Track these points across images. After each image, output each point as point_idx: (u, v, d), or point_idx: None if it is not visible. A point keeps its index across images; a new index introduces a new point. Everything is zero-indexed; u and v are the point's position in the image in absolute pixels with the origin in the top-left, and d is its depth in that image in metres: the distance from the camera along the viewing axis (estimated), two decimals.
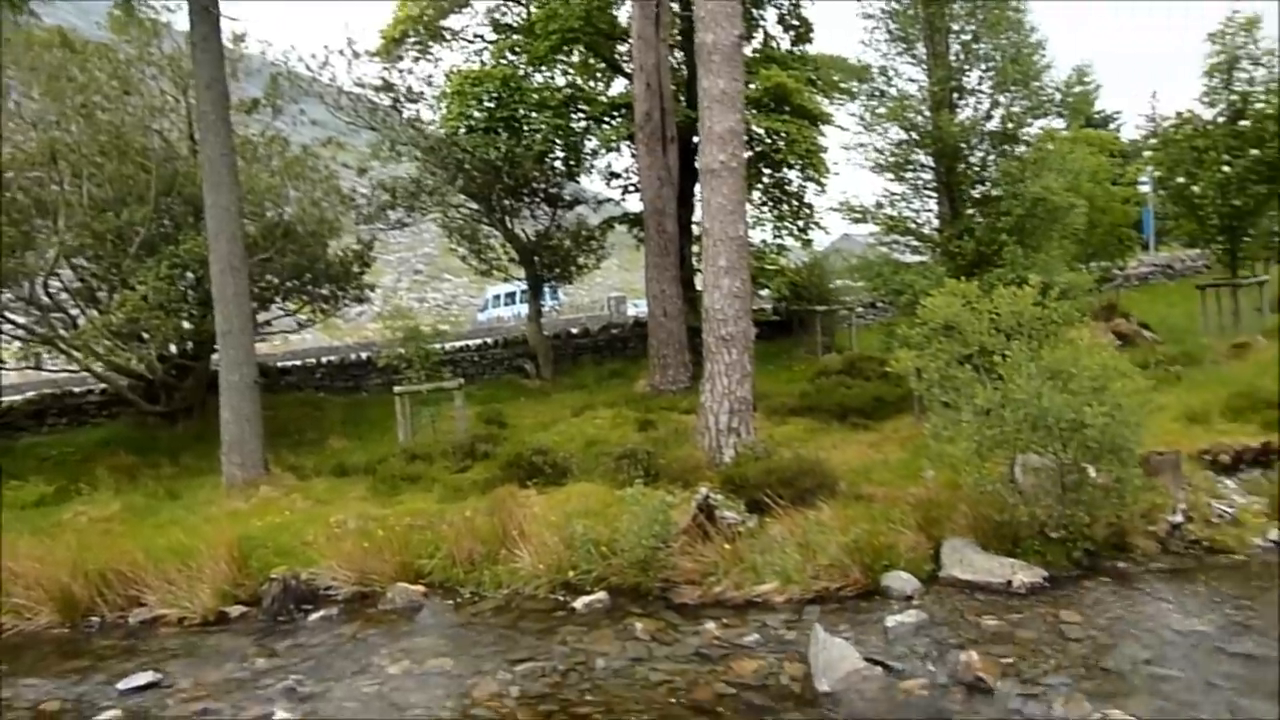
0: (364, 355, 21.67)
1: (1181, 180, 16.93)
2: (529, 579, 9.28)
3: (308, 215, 17.36)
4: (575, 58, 21.72)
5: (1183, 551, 9.20)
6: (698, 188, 13.36)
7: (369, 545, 9.64)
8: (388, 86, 19.49)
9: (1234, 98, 16.53)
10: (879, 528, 9.01)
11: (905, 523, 9.23)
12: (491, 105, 18.70)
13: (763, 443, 11.33)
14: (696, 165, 11.78)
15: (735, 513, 9.43)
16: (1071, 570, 8.66)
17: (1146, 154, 20.68)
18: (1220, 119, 16.72)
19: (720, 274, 11.32)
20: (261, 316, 17.64)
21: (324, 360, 22.06)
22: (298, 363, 22.03)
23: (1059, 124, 20.21)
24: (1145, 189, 26.34)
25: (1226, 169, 16.02)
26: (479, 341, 22.82)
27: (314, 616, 9.10)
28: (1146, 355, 14.98)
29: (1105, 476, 8.64)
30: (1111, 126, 37.78)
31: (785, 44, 21.61)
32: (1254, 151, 15.77)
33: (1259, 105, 16.30)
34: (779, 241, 19.40)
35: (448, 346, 19.79)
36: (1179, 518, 9.41)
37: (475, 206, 19.97)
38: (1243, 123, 16.20)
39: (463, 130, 18.58)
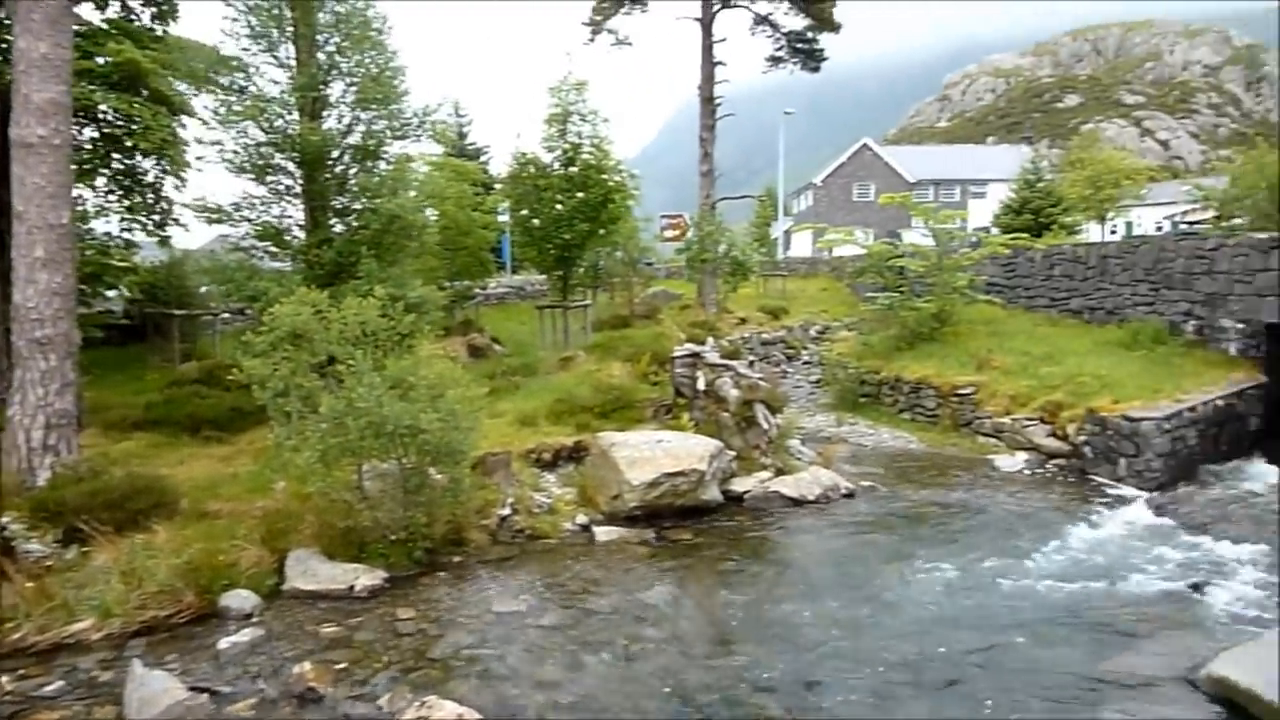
0: None
1: (526, 213, 19.04)
2: None
3: None
4: None
5: (510, 541, 10.34)
6: None
7: None
8: None
9: (567, 146, 19.12)
10: (219, 545, 8.56)
11: (250, 538, 8.91)
12: None
13: (90, 461, 9.96)
14: (11, 137, 9.95)
15: (43, 544, 8.14)
16: (412, 569, 9.14)
17: (498, 187, 22.98)
18: (557, 164, 19.20)
19: (36, 267, 9.69)
20: None
21: None
22: None
23: (434, 148, 21.49)
24: (505, 218, 29.14)
25: (560, 207, 18.42)
26: None
27: None
28: (494, 366, 16.64)
29: (443, 478, 9.31)
30: (482, 159, 41.34)
31: (146, 19, 19.49)
32: (580, 194, 18.39)
33: (586, 155, 19.09)
34: (128, 236, 17.35)
35: None
36: (507, 511, 10.56)
37: None
38: (573, 169, 18.79)
39: None
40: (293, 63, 13.18)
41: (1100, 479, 13.15)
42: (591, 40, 30.18)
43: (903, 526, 11.08)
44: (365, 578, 8.67)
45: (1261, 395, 14.25)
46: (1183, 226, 35.56)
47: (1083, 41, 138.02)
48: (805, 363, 26.01)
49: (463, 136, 42.91)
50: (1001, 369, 17.00)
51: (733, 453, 12.57)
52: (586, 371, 15.39)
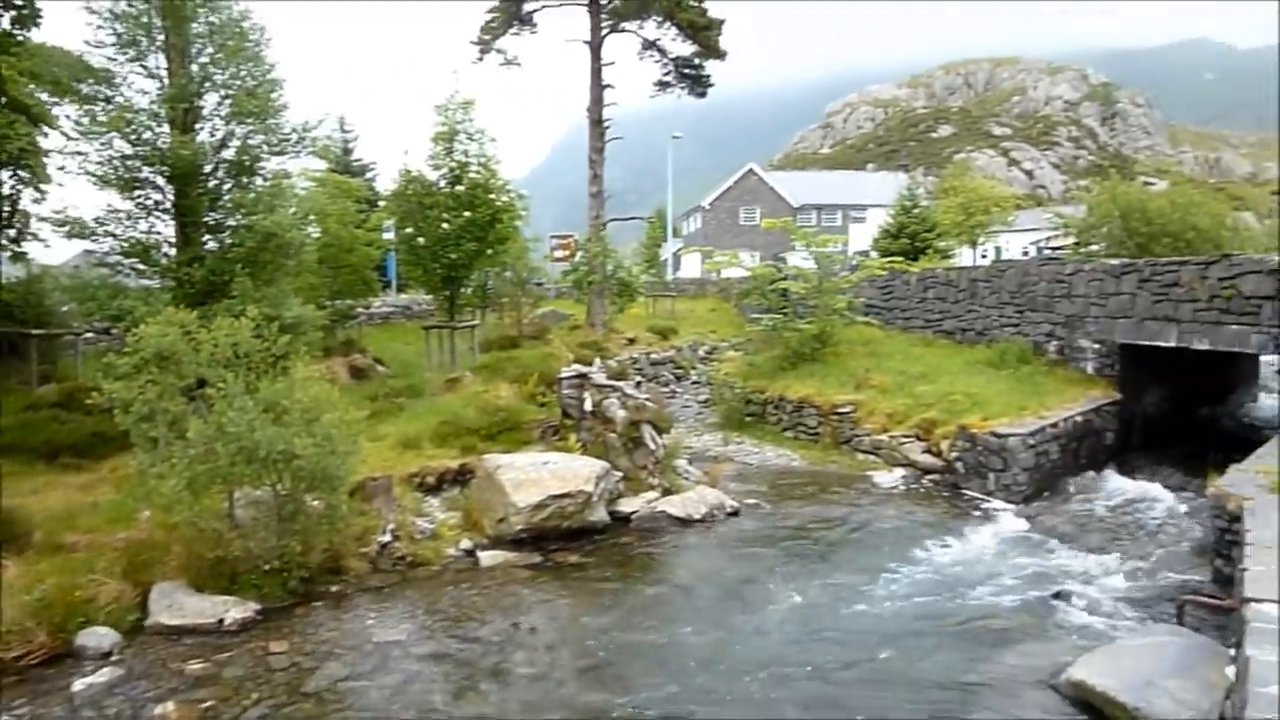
0: None
1: (411, 231, 18.72)
2: None
3: None
4: None
5: (390, 569, 10.07)
6: None
7: None
8: None
9: (453, 164, 18.90)
10: (76, 580, 8.11)
11: (110, 571, 8.48)
12: None
13: None
14: None
15: None
16: (287, 600, 8.82)
17: (383, 204, 22.54)
18: (443, 182, 18.95)
19: None
20: None
21: None
22: None
23: (316, 163, 20.91)
24: (390, 236, 28.47)
25: (446, 226, 18.18)
26: None
27: None
28: (377, 388, 16.24)
29: (320, 504, 9.02)
30: (368, 175, 40.47)
31: (5, 24, 18.41)
32: (468, 213, 18.20)
33: (474, 174, 18.90)
34: None
35: None
36: (388, 537, 10.29)
37: None
38: (459, 187, 18.58)
39: None
40: (163, 73, 12.64)
41: (972, 493, 13.71)
42: (480, 59, 29.98)
43: (785, 543, 11.30)
44: (236, 610, 8.33)
45: (1116, 411, 15.14)
46: (1046, 252, 37.65)
47: (955, 75, 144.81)
48: (694, 382, 26.29)
49: (348, 152, 41.96)
50: (879, 388, 17.56)
51: (620, 473, 12.60)
52: (473, 393, 15.18)
